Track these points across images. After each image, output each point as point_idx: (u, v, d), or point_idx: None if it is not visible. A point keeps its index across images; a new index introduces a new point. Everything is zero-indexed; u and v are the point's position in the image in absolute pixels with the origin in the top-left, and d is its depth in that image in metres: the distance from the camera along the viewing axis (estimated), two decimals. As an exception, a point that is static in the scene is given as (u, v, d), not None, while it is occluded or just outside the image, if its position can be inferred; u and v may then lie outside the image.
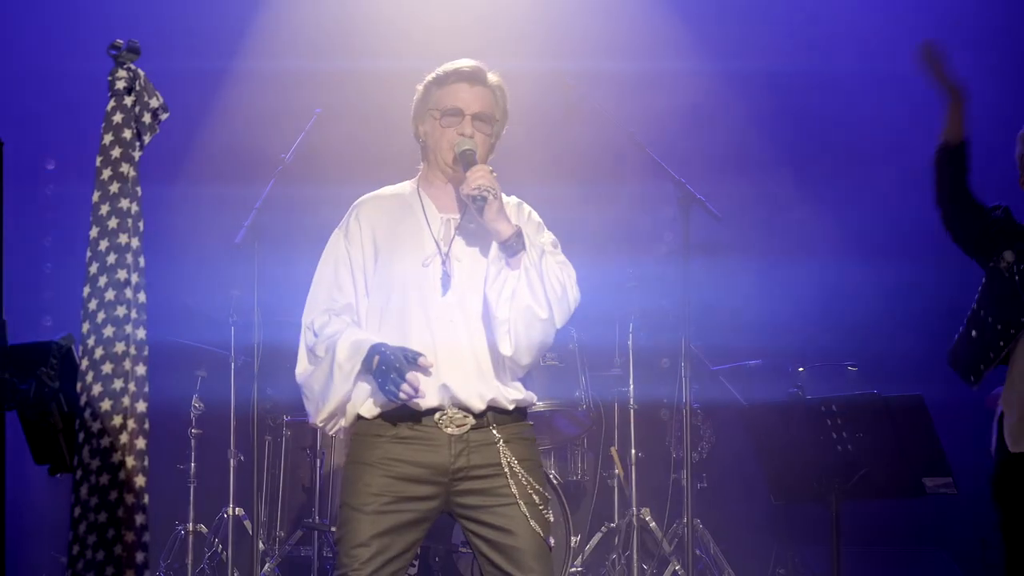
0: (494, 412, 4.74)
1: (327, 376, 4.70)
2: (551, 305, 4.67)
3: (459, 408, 4.70)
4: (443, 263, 4.75)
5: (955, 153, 5.81)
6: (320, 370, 4.73)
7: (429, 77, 4.92)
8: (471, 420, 4.71)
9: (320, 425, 4.82)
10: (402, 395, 4.54)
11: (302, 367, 4.81)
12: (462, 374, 4.69)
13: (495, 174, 4.72)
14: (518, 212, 4.91)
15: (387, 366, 4.56)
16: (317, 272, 4.89)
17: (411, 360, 4.56)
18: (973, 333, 5.79)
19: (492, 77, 4.90)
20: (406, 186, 4.97)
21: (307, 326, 4.80)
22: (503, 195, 4.88)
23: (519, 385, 4.80)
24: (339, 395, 4.69)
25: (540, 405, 7.84)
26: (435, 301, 4.72)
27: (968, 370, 5.82)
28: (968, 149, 5.82)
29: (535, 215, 4.95)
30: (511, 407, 4.76)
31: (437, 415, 4.69)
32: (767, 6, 9.27)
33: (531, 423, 4.88)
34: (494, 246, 4.70)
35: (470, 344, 4.71)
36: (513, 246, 4.67)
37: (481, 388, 4.70)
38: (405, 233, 4.81)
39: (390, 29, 9.22)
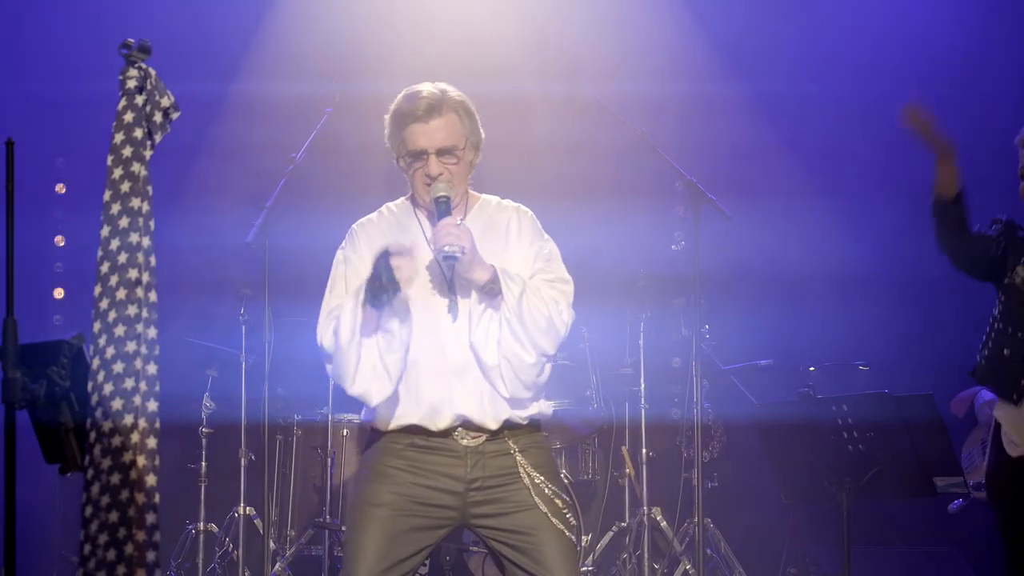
0: (508, 427, 4.74)
1: (341, 330, 4.65)
2: (536, 342, 4.65)
3: (473, 430, 4.71)
4: (450, 289, 4.73)
5: (951, 206, 5.80)
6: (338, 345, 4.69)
7: (391, 110, 4.84)
8: (486, 434, 4.72)
9: (353, 391, 4.71)
10: (400, 275, 4.52)
11: (331, 369, 4.76)
12: (477, 400, 4.70)
13: (461, 222, 4.67)
14: (518, 221, 4.88)
15: (375, 269, 4.53)
16: (328, 299, 4.85)
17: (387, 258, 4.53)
18: (1005, 352, 5.75)
19: (451, 98, 4.79)
20: (401, 205, 4.95)
21: (322, 339, 4.76)
22: (498, 199, 4.91)
23: (535, 403, 4.80)
24: (352, 338, 4.62)
25: (552, 403, 7.85)
26: (446, 329, 4.71)
27: (1010, 388, 5.78)
28: (964, 199, 5.81)
29: (535, 222, 4.92)
30: (525, 422, 4.77)
31: (454, 432, 4.70)
32: (786, 27, 9.27)
33: (545, 434, 4.89)
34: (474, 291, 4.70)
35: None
36: (492, 290, 4.65)
37: (495, 411, 4.71)
38: (415, 254, 4.75)
39: (403, 34, 9.23)
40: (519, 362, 4.64)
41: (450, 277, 4.71)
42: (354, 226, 4.94)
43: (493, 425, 4.71)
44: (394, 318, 4.66)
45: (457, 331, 4.70)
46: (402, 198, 4.97)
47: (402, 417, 4.68)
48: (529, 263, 4.79)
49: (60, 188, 9.32)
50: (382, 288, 4.53)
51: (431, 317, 4.71)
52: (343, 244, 4.91)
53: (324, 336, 4.75)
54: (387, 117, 4.86)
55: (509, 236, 4.84)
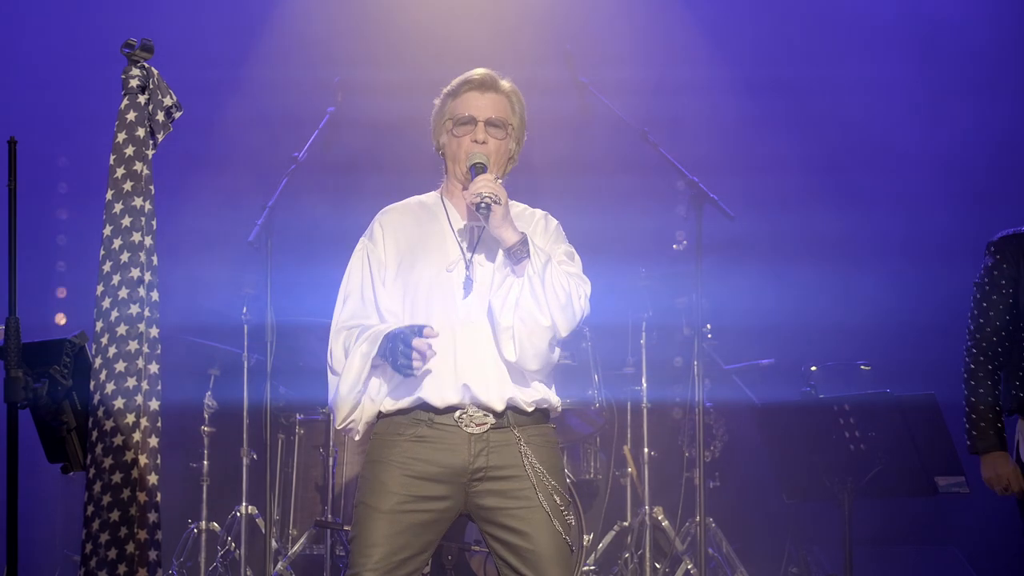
0: (514, 413, 4.75)
1: (346, 373, 4.73)
2: (552, 312, 4.66)
3: (479, 407, 4.71)
4: (467, 267, 4.76)
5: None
6: (341, 374, 4.77)
7: (444, 90, 4.94)
8: (491, 419, 4.72)
9: (340, 427, 4.82)
10: (415, 363, 4.55)
11: (332, 386, 4.83)
12: (482, 375, 4.70)
13: (500, 181, 4.74)
14: (544, 223, 4.92)
15: (393, 341, 4.58)
16: (343, 286, 4.90)
17: (416, 332, 4.57)
18: None
19: (505, 84, 4.92)
20: (431, 196, 5.00)
21: (332, 346, 4.82)
22: (526, 206, 4.94)
23: (541, 387, 4.80)
24: (355, 387, 4.71)
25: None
26: (457, 304, 4.73)
27: None
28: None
29: (560, 230, 4.96)
30: (530, 408, 4.77)
31: (457, 413, 4.71)
32: (783, 12, 9.26)
33: (553, 426, 4.89)
34: (500, 252, 4.73)
35: (492, 346, 4.72)
36: (518, 253, 4.67)
37: (501, 389, 4.72)
38: (430, 238, 4.83)
39: (405, 30, 9.23)
40: (534, 324, 4.65)
41: (470, 257, 4.76)
42: (379, 214, 4.98)
43: (499, 405, 4.70)
44: (431, 237, 4.79)
45: (468, 306, 4.73)
46: (433, 192, 5.01)
47: (409, 392, 4.70)
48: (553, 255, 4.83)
49: (63, 188, 9.32)
50: (395, 366, 4.62)
51: (443, 292, 4.74)
52: (366, 232, 4.95)
53: (334, 348, 4.81)
54: (437, 100, 4.95)
55: (535, 231, 4.88)
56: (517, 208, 4.95)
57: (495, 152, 4.84)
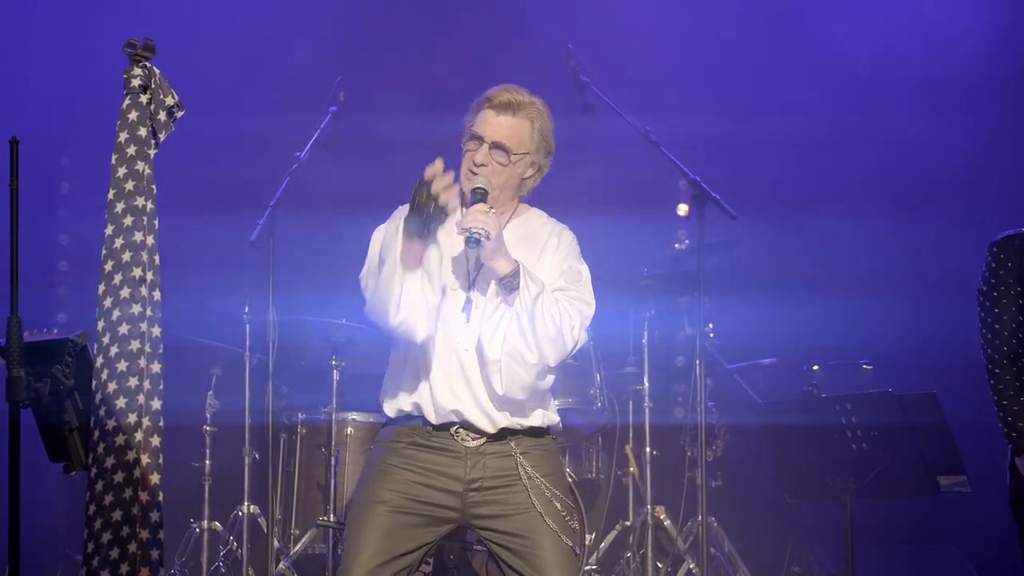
0: (509, 431, 4.77)
1: (386, 269, 4.62)
2: (541, 347, 4.64)
3: (470, 430, 4.73)
4: (469, 289, 4.75)
5: None
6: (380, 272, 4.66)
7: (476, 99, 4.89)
8: (486, 436, 4.74)
9: (395, 323, 4.64)
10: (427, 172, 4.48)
11: (368, 293, 4.72)
12: (475, 402, 4.73)
13: (494, 212, 4.68)
14: (557, 240, 4.88)
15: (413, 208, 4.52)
16: (368, 255, 4.83)
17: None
18: None
19: (534, 108, 4.83)
20: None
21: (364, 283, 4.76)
22: (545, 218, 4.93)
23: (537, 411, 4.81)
24: (393, 270, 4.59)
25: (555, 403, 7.83)
26: (458, 329, 4.73)
27: None
28: None
29: (575, 244, 4.92)
30: (525, 427, 4.78)
31: (452, 429, 4.73)
32: (789, 28, 9.28)
33: (552, 437, 4.89)
34: (493, 282, 4.71)
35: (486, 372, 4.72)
36: (509, 284, 4.66)
37: (492, 415, 4.73)
38: (443, 248, 4.76)
39: (406, 29, 9.22)
40: (520, 360, 4.64)
41: (473, 277, 4.74)
42: (399, 208, 4.92)
43: (491, 429, 4.73)
44: (434, 256, 4.65)
45: (467, 333, 4.72)
46: None
47: (405, 403, 4.72)
48: (555, 277, 4.80)
49: (64, 187, 9.31)
50: (423, 220, 4.51)
51: (444, 315, 4.72)
52: (387, 222, 4.88)
53: (367, 283, 4.72)
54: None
55: (546, 249, 4.85)
56: (536, 218, 4.94)
57: (497, 175, 4.78)
